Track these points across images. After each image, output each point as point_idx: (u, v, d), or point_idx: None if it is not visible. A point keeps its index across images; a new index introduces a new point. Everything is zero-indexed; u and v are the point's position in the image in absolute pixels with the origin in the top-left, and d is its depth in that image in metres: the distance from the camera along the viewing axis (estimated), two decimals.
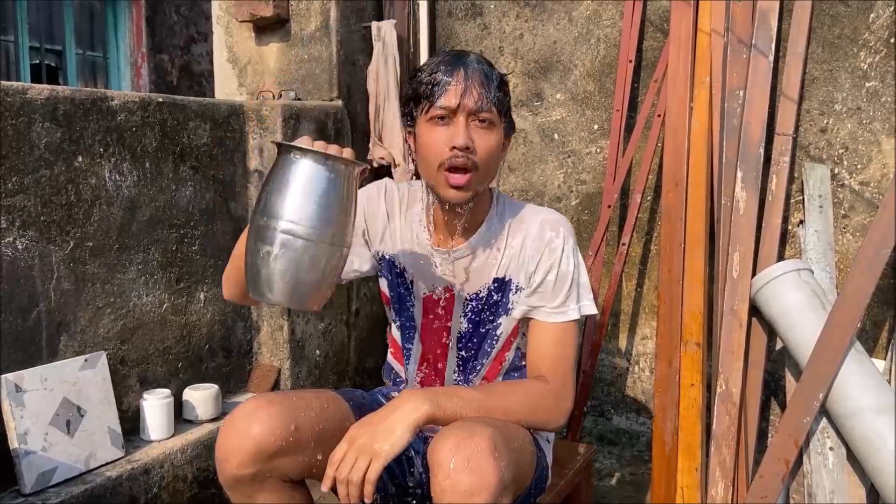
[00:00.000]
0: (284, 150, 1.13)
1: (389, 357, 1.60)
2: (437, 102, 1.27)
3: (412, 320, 1.48)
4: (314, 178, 1.10)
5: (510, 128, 1.37)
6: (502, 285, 1.40)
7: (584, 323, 2.36)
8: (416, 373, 1.51)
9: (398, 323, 1.51)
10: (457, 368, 1.46)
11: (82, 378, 1.72)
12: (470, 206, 1.34)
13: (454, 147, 1.26)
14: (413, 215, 1.45)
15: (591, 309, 1.39)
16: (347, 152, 1.16)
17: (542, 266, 1.36)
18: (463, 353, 1.45)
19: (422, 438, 1.52)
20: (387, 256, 1.47)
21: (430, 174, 1.32)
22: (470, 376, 1.46)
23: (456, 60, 1.30)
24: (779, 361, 2.18)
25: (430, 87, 1.28)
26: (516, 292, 1.40)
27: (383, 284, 1.51)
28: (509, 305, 1.41)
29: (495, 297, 1.41)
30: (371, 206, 1.46)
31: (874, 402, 1.72)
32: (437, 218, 1.40)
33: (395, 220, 1.46)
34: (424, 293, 1.45)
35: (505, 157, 1.40)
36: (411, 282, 1.46)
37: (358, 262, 1.47)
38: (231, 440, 1.21)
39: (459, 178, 1.28)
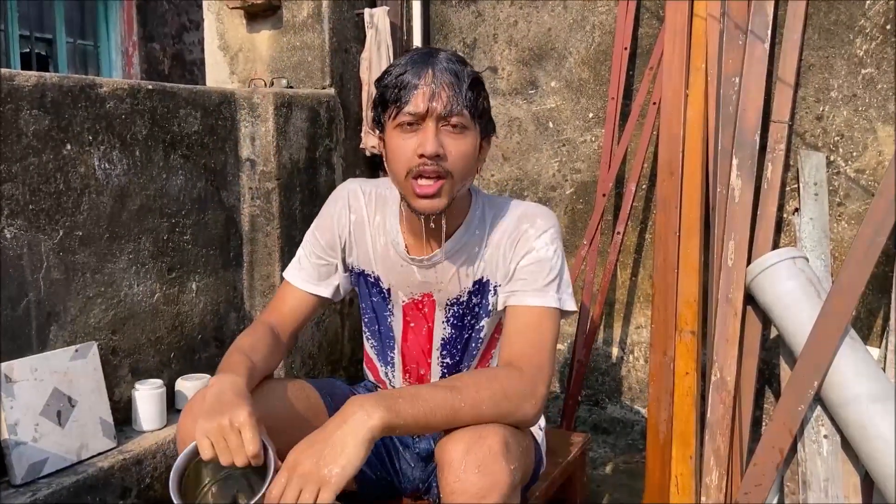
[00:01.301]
0: None
1: (369, 375, 1.57)
2: (404, 108, 1.18)
3: (391, 330, 1.44)
4: None
5: (488, 129, 1.28)
6: (481, 287, 1.35)
7: (579, 312, 2.35)
8: (402, 382, 1.47)
9: (377, 331, 1.47)
10: (442, 374, 1.43)
11: (73, 368, 1.71)
12: (443, 213, 1.25)
13: (422, 155, 1.18)
14: (385, 221, 1.38)
15: (571, 305, 1.31)
16: (250, 449, 1.03)
17: (516, 255, 1.30)
18: (447, 359, 1.42)
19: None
20: (357, 268, 1.43)
21: (398, 183, 1.24)
22: None
23: (424, 60, 1.20)
24: (773, 350, 2.18)
25: (396, 90, 1.19)
26: (495, 293, 1.35)
27: (358, 295, 1.48)
28: (489, 307, 1.36)
29: (475, 301, 1.36)
30: (340, 221, 1.40)
31: (869, 389, 1.71)
32: (411, 223, 1.32)
33: (364, 227, 1.39)
34: (404, 301, 1.40)
35: (483, 161, 1.31)
36: (388, 290, 1.40)
37: (342, 286, 1.45)
38: (188, 422, 1.17)
39: (428, 186, 1.19)
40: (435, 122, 1.18)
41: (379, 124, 1.27)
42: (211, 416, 1.07)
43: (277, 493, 1.00)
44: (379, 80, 1.25)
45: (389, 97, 1.21)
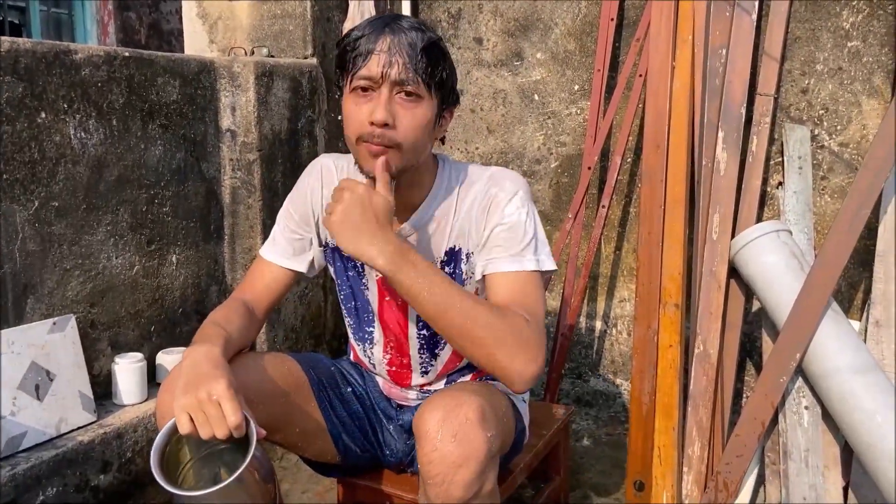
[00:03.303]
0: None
1: (350, 354, 1.56)
2: (359, 72, 1.16)
3: (369, 304, 1.42)
4: None
5: (449, 100, 1.25)
6: (452, 256, 1.33)
7: (563, 288, 2.35)
8: (382, 356, 1.45)
9: (353, 307, 1.45)
10: (421, 346, 1.41)
11: (51, 342, 1.68)
12: (405, 181, 1.24)
13: (372, 122, 1.15)
14: None
15: (549, 264, 1.28)
16: (232, 421, 1.02)
17: (489, 223, 1.27)
18: (424, 331, 1.40)
19: (394, 406, 1.50)
20: (332, 243, 1.40)
21: (351, 147, 1.22)
22: (435, 350, 1.41)
23: (384, 26, 1.17)
24: (755, 323, 2.19)
25: (353, 54, 1.17)
26: (467, 261, 1.33)
27: (332, 272, 1.46)
28: (462, 276, 1.34)
29: (447, 270, 1.34)
30: (314, 196, 1.39)
31: (850, 361, 1.73)
32: None
33: None
34: (377, 274, 1.38)
35: (444, 131, 1.30)
36: (362, 264, 1.38)
37: (317, 261, 1.43)
38: (167, 398, 1.15)
39: (377, 148, 1.17)
40: (389, 88, 1.16)
41: (338, 88, 1.25)
42: (188, 389, 1.05)
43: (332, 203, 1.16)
44: (338, 44, 1.23)
45: (347, 60, 1.19)
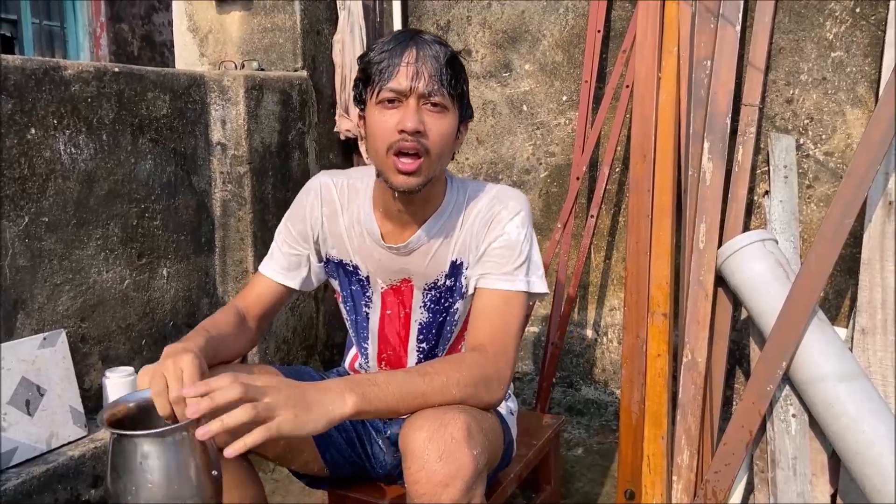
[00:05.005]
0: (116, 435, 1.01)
1: (345, 362, 1.58)
2: (386, 84, 1.19)
3: (367, 319, 1.44)
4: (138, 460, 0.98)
5: (466, 113, 1.29)
6: (454, 269, 1.35)
7: (553, 295, 2.36)
8: (376, 369, 1.47)
9: (354, 320, 1.47)
10: (419, 359, 1.43)
11: (41, 357, 1.68)
12: (420, 194, 1.26)
13: (403, 131, 1.18)
14: (359, 211, 1.37)
15: (540, 287, 1.31)
16: (187, 393, 0.98)
17: (488, 237, 1.31)
18: (424, 344, 1.42)
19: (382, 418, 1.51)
20: (335, 259, 1.42)
21: (378, 160, 1.24)
22: None
23: (407, 40, 1.21)
24: (743, 331, 2.21)
25: (379, 67, 1.20)
26: (464, 273, 1.35)
27: (335, 284, 1.48)
28: (462, 289, 1.37)
29: (449, 283, 1.37)
30: (313, 213, 1.40)
31: (836, 369, 1.74)
32: (386, 209, 1.33)
33: (338, 217, 1.39)
34: (383, 287, 1.40)
35: (460, 145, 1.33)
36: (367, 278, 1.40)
37: (316, 276, 1.45)
38: None
39: (409, 164, 1.19)
40: (416, 99, 1.19)
41: (360, 101, 1.28)
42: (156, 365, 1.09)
43: (225, 385, 0.97)
44: (362, 57, 1.26)
45: (372, 73, 1.22)
